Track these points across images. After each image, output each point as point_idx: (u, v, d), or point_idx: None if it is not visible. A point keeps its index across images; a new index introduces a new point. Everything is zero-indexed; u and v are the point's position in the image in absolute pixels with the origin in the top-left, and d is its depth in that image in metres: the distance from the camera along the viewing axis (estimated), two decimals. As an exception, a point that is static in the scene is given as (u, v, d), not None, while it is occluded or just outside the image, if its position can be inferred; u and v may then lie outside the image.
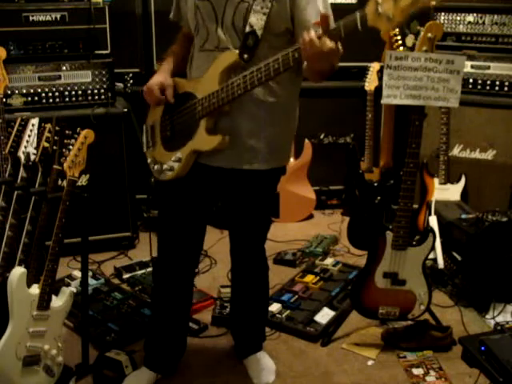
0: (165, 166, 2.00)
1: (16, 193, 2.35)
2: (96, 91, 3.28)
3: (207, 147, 1.89)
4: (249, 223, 2.17)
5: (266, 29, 1.81)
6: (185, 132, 1.95)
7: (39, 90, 3.20)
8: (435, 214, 3.23)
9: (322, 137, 4.14)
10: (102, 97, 3.30)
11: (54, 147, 2.15)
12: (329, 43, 1.61)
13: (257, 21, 1.79)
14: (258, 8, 1.78)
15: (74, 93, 3.26)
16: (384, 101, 2.29)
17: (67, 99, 3.25)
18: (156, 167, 2.05)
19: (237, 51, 1.83)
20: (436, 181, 3.41)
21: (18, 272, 2.07)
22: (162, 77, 2.03)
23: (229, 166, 1.97)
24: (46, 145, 2.21)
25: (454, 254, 2.95)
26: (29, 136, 2.37)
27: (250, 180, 2.01)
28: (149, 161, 2.10)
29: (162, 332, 2.28)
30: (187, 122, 1.94)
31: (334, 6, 1.95)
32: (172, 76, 2.05)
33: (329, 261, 3.30)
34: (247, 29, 1.80)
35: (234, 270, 2.34)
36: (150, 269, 3.17)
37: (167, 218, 2.16)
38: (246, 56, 1.83)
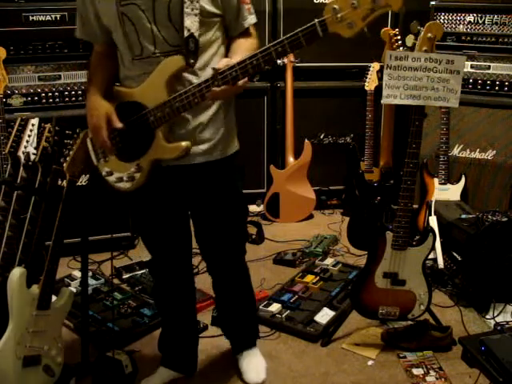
0: (124, 177, 1.93)
1: (16, 193, 2.35)
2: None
3: (169, 156, 1.84)
4: (220, 227, 2.08)
5: (201, 29, 1.78)
6: (141, 142, 1.86)
7: (39, 90, 3.21)
8: (435, 214, 3.23)
9: (322, 137, 4.14)
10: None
11: (54, 147, 2.15)
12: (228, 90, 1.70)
13: (192, 23, 1.75)
14: (189, 10, 1.74)
15: (73, 93, 3.26)
16: (384, 101, 2.29)
17: (67, 99, 3.25)
18: (113, 178, 1.97)
19: (182, 57, 1.76)
20: (436, 181, 3.41)
21: (17, 272, 2.08)
22: (104, 107, 1.87)
23: (198, 161, 1.91)
24: (46, 145, 2.21)
25: (454, 254, 2.95)
26: (29, 136, 2.37)
27: (211, 172, 1.96)
28: (103, 173, 1.99)
29: (171, 330, 2.31)
30: (141, 132, 1.84)
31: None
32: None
33: (329, 261, 3.30)
34: (185, 33, 1.75)
35: (214, 284, 2.30)
36: (149, 269, 3.17)
37: (143, 225, 2.15)
38: (192, 61, 1.78)
